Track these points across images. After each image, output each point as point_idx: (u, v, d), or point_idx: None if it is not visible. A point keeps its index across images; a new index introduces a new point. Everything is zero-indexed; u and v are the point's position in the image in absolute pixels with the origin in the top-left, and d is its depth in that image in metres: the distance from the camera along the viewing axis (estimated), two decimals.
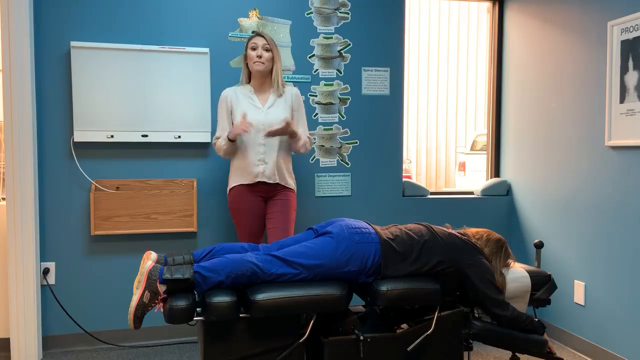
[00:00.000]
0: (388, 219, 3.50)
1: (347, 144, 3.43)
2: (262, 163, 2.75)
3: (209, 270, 1.96)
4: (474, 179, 7.86)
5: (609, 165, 2.83)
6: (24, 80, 2.83)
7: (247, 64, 2.82)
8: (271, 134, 2.67)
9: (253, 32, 3.20)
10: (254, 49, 2.76)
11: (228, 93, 2.83)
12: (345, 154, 3.43)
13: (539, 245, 2.48)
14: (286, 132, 2.69)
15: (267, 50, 2.75)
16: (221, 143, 2.78)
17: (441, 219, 3.56)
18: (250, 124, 2.66)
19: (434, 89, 10.61)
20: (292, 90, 2.85)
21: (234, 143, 2.75)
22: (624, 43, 2.70)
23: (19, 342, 2.88)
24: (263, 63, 2.74)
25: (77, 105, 2.97)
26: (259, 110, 2.77)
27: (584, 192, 3.01)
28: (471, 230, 2.34)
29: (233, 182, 2.82)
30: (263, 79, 2.81)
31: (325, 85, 3.37)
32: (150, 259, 2.00)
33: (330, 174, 3.41)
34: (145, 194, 3.08)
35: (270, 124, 2.74)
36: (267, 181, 2.76)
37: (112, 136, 3.02)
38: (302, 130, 2.87)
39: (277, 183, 2.80)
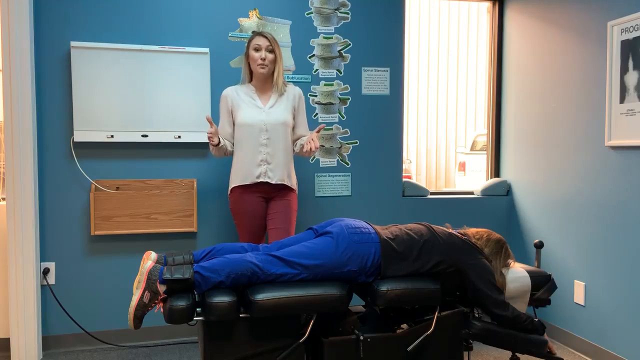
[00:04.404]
0: (388, 219, 3.50)
1: (347, 144, 3.43)
2: (264, 163, 2.74)
3: (209, 270, 1.96)
4: (474, 179, 7.86)
5: (609, 165, 2.83)
6: (24, 80, 2.83)
7: (248, 63, 2.81)
8: (309, 151, 2.67)
9: (253, 31, 3.19)
10: (257, 50, 2.74)
11: (228, 92, 2.83)
12: (345, 154, 3.43)
13: (539, 245, 2.48)
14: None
15: (270, 51, 2.74)
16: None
17: (441, 219, 3.56)
18: (213, 140, 2.67)
19: (434, 89, 10.61)
20: (294, 90, 2.85)
21: (218, 147, 2.73)
22: (624, 43, 2.70)
23: (19, 342, 2.88)
24: (267, 66, 2.73)
25: (77, 106, 2.97)
26: (260, 110, 2.76)
27: (584, 192, 3.01)
28: (471, 230, 2.34)
29: (233, 182, 2.81)
30: (265, 79, 2.80)
31: (325, 85, 3.37)
32: (150, 259, 2.00)
33: (330, 174, 3.41)
34: (145, 194, 3.08)
35: (272, 124, 2.74)
36: (269, 182, 2.75)
37: (112, 136, 3.02)
38: (303, 130, 2.87)
39: (281, 184, 2.79)
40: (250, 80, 2.85)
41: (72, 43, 2.94)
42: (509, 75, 3.68)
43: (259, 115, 2.74)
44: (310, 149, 2.66)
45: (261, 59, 2.72)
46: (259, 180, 2.74)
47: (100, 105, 2.99)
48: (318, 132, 2.72)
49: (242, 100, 2.79)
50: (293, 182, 2.85)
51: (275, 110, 2.76)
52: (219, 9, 3.20)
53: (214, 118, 3.19)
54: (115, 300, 3.14)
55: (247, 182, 2.75)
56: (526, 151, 3.50)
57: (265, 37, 2.75)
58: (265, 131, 2.73)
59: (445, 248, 2.17)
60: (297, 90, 2.86)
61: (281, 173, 2.76)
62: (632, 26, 2.65)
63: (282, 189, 2.81)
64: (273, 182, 2.75)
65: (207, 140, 3.12)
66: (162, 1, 3.12)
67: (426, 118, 10.57)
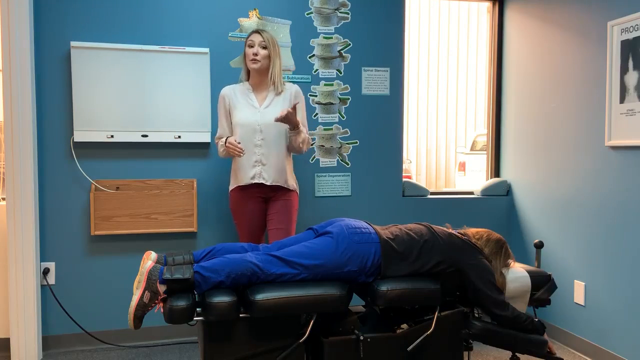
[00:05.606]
0: (388, 219, 3.50)
1: (347, 144, 3.43)
2: (259, 164, 2.73)
3: (209, 270, 1.96)
4: (474, 179, 7.86)
5: (609, 165, 2.83)
6: (24, 80, 2.83)
7: (246, 61, 2.81)
8: (278, 120, 2.59)
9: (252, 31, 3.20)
10: (251, 46, 2.73)
11: (226, 92, 2.82)
12: (345, 154, 3.43)
13: (539, 245, 2.48)
14: (290, 120, 2.62)
15: (264, 47, 2.73)
16: (219, 147, 2.79)
17: (441, 219, 3.56)
18: (242, 149, 2.66)
19: (434, 89, 10.61)
20: (291, 88, 2.83)
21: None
22: (624, 43, 2.70)
23: (19, 342, 2.88)
24: (259, 61, 2.71)
25: (77, 105, 2.97)
26: (255, 110, 2.75)
27: (584, 192, 3.01)
28: (471, 230, 2.34)
29: (232, 183, 2.83)
30: (261, 77, 2.79)
31: (325, 85, 3.37)
32: (150, 259, 2.00)
33: (330, 174, 3.41)
34: (145, 194, 3.08)
35: (266, 124, 2.72)
36: (265, 183, 2.74)
37: (112, 136, 3.02)
38: (301, 127, 2.85)
39: (277, 185, 2.78)
40: (248, 78, 2.84)
41: (72, 43, 2.94)
42: (509, 75, 3.68)
43: (253, 116, 2.73)
44: (280, 115, 2.57)
45: (253, 54, 2.71)
46: (254, 182, 2.74)
47: (100, 105, 2.99)
48: (293, 109, 2.60)
49: (238, 100, 2.78)
50: (290, 183, 2.83)
51: (270, 111, 2.74)
52: (219, 9, 3.20)
53: (213, 118, 3.19)
54: (115, 300, 3.14)
55: (243, 183, 2.75)
56: (526, 151, 3.50)
57: (259, 34, 2.73)
58: (260, 132, 2.72)
59: (445, 248, 2.17)
60: (295, 88, 2.84)
61: (276, 174, 2.75)
62: (632, 26, 2.65)
63: (279, 190, 2.80)
64: (268, 184, 2.74)
65: (212, 141, 3.13)
66: (162, 1, 3.12)
67: (426, 118, 10.57)
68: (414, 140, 10.53)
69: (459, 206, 3.61)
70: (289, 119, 2.60)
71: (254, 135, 2.72)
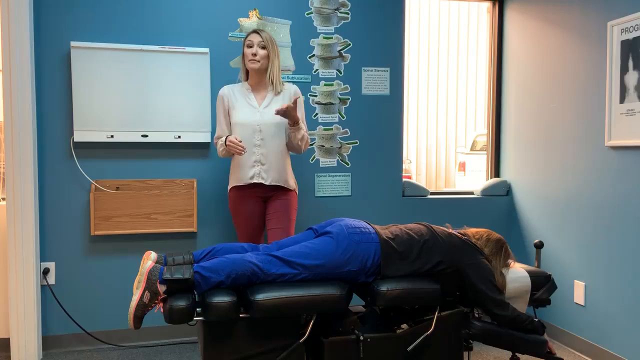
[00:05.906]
0: (388, 219, 3.50)
1: (347, 144, 3.43)
2: (258, 164, 2.73)
3: (209, 270, 1.96)
4: (474, 179, 7.86)
5: (609, 165, 2.83)
6: (24, 80, 2.83)
7: (244, 61, 2.80)
8: (279, 113, 2.58)
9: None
10: (249, 46, 2.73)
11: (225, 92, 2.82)
12: (345, 154, 3.43)
13: (539, 245, 2.48)
14: (290, 115, 2.61)
15: (262, 47, 2.73)
16: (219, 147, 2.79)
17: (441, 219, 3.56)
18: (244, 146, 2.65)
19: (434, 89, 10.61)
20: (290, 88, 2.83)
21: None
22: (624, 43, 2.70)
23: (19, 342, 2.88)
24: (258, 61, 2.71)
25: (77, 105, 2.97)
26: (254, 110, 2.75)
27: (584, 192, 3.01)
28: (471, 230, 2.34)
29: (230, 183, 2.82)
30: (260, 77, 2.79)
31: (325, 85, 3.37)
32: (150, 259, 2.00)
33: (330, 174, 3.41)
34: (145, 194, 3.08)
35: (266, 124, 2.72)
36: (264, 182, 2.74)
37: (112, 136, 3.02)
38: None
39: (276, 185, 2.78)
40: (247, 78, 2.84)
41: (72, 43, 2.94)
42: (509, 75, 3.68)
43: (252, 116, 2.73)
44: (281, 108, 2.57)
45: (252, 54, 2.71)
46: (253, 182, 2.74)
47: (100, 105, 2.99)
48: (294, 103, 2.60)
49: (237, 99, 2.78)
50: (290, 183, 2.83)
51: (270, 110, 2.74)
52: (219, 9, 3.20)
53: (213, 118, 3.19)
54: (115, 300, 3.14)
55: (242, 183, 2.75)
56: (526, 151, 3.50)
57: (258, 34, 2.73)
58: (259, 132, 2.72)
59: (445, 248, 2.17)
60: (294, 88, 2.84)
61: (275, 174, 2.75)
62: (632, 26, 2.65)
63: (278, 190, 2.80)
64: (267, 183, 2.74)
65: (212, 141, 3.13)
66: (162, 1, 3.12)
67: (426, 118, 10.57)
68: (414, 140, 10.54)
69: (459, 206, 3.61)
70: (289, 113, 2.60)
71: (253, 135, 2.72)
